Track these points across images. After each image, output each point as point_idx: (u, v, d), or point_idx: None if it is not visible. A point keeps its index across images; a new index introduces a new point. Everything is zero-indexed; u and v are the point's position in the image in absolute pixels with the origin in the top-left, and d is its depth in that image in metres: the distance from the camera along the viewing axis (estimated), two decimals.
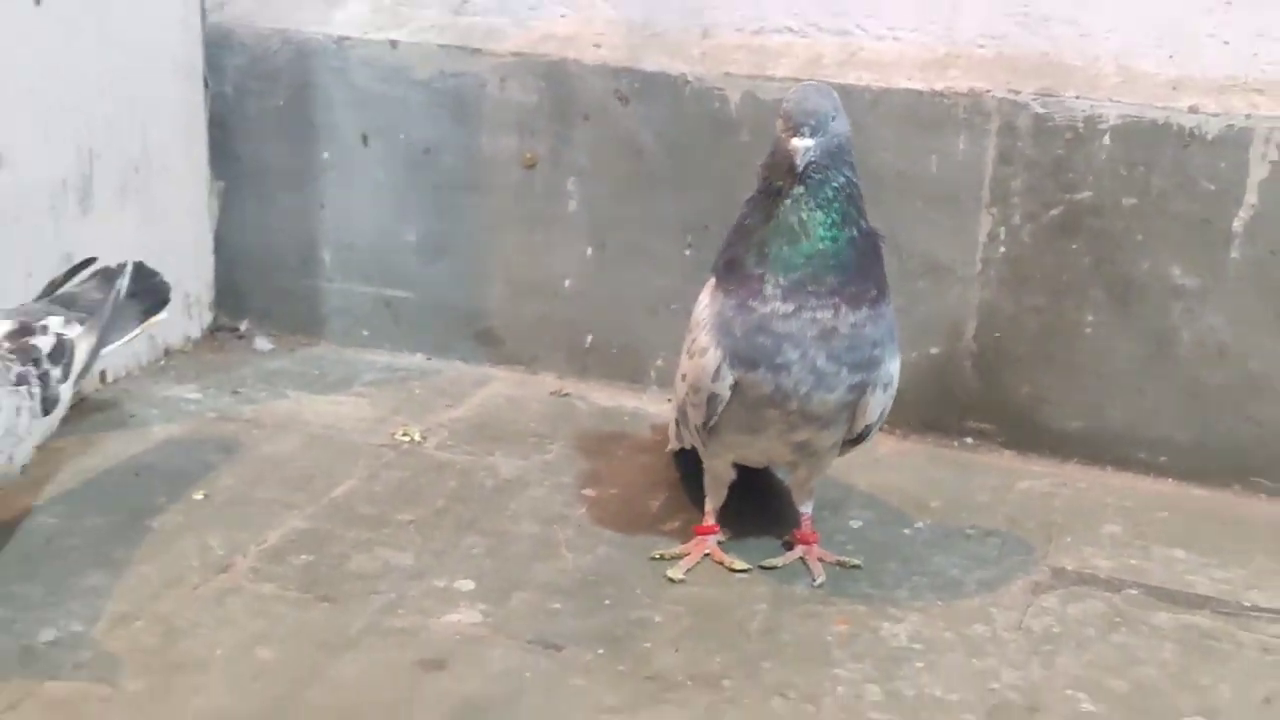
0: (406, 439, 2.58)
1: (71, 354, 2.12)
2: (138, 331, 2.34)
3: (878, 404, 2.05)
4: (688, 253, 2.71)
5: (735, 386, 2.01)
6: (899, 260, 2.55)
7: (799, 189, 1.94)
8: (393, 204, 2.87)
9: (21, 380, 1.99)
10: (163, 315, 2.36)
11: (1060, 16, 2.48)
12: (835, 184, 1.95)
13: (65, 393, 2.11)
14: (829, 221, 1.94)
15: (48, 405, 2.05)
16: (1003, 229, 2.52)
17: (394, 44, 2.79)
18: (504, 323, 2.87)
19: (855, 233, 1.97)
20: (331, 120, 2.87)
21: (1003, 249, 2.53)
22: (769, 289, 1.96)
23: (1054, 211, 2.48)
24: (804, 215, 1.95)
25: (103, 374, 2.70)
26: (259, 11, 2.89)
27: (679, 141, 2.66)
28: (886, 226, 2.41)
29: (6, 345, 2.02)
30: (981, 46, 2.53)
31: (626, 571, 2.18)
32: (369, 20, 2.84)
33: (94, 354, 2.19)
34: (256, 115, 2.90)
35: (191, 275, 2.91)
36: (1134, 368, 2.50)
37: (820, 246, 1.95)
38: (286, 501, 2.36)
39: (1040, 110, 2.45)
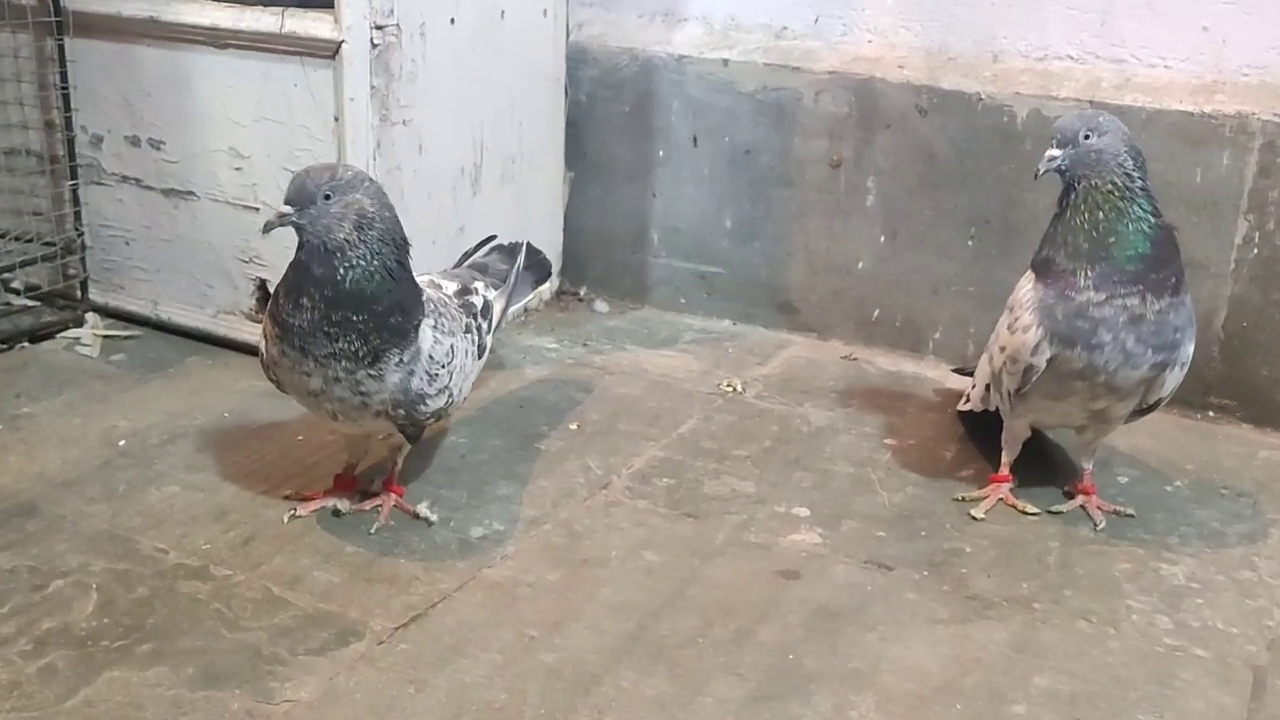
0: (730, 389, 2.63)
1: (492, 312, 2.22)
2: (530, 297, 2.45)
3: (1173, 380, 2.04)
4: (970, 243, 2.70)
5: (1050, 361, 2.01)
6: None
7: (1073, 196, 1.96)
8: (714, 195, 2.91)
9: (468, 329, 2.10)
10: (548, 286, 2.45)
11: None
12: (1105, 189, 1.94)
13: (489, 343, 2.21)
14: (1109, 217, 1.95)
15: (480, 352, 2.16)
16: (1257, 234, 2.47)
17: (725, 62, 2.83)
18: (801, 296, 2.89)
19: (1145, 228, 1.95)
20: (667, 124, 2.92)
21: (1255, 250, 2.48)
22: (1081, 280, 1.96)
23: None
24: (1086, 216, 1.96)
25: None
26: (610, 33, 2.96)
27: (969, 149, 2.65)
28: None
29: (456, 301, 2.12)
30: (1246, 75, 2.47)
31: (934, 508, 2.20)
32: (704, 41, 2.88)
33: (504, 314, 2.29)
34: (604, 118, 2.98)
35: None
36: None
37: (1110, 240, 1.94)
38: (643, 434, 2.43)
39: None
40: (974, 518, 2.17)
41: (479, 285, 2.24)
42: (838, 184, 2.80)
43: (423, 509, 2.11)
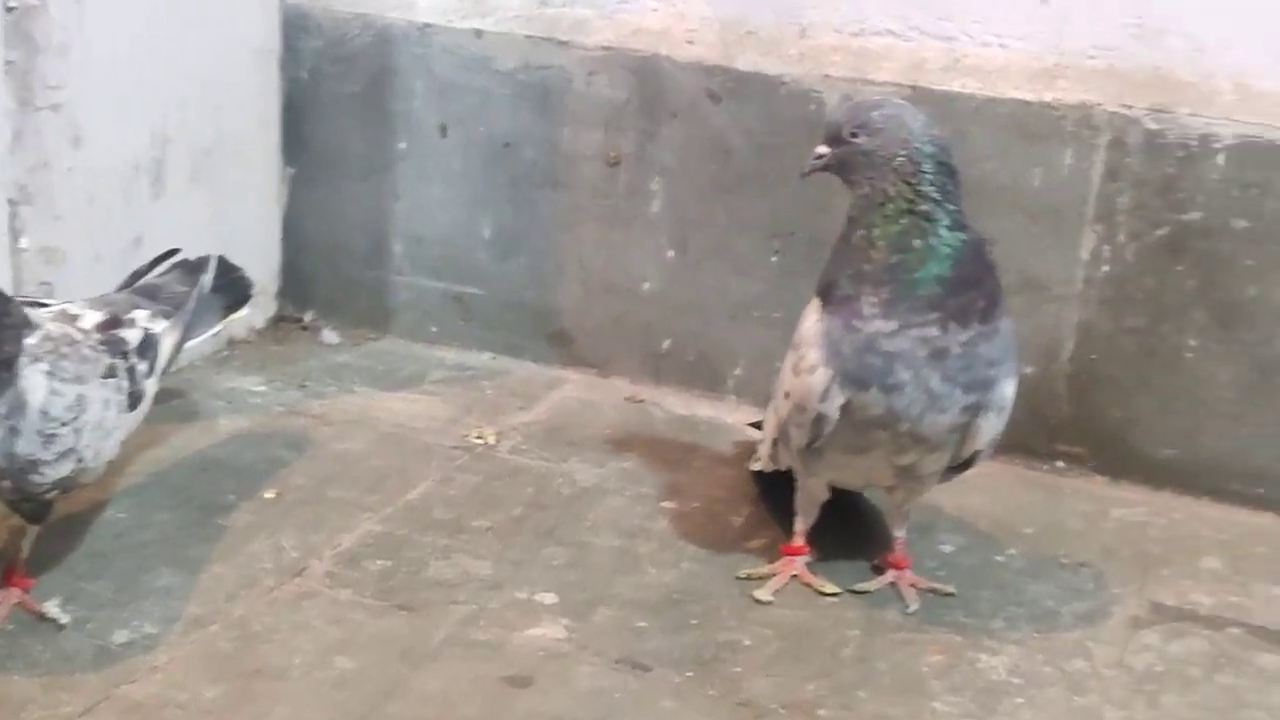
0: (480, 441, 2.57)
1: (157, 349, 2.11)
2: (219, 328, 2.35)
3: (990, 429, 2.03)
4: (774, 259, 2.69)
5: (844, 407, 1.98)
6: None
7: (852, 206, 1.98)
8: (468, 197, 2.86)
9: (111, 373, 1.98)
10: (244, 312, 2.37)
11: (1176, 29, 2.44)
12: (877, 200, 1.96)
13: (150, 388, 2.10)
14: (889, 234, 1.95)
15: (134, 400, 2.04)
16: (1106, 247, 2.49)
17: (478, 33, 2.78)
18: (578, 323, 2.86)
19: (941, 243, 1.95)
20: (409, 109, 2.85)
21: (1105, 268, 2.50)
22: (866, 307, 1.95)
23: (1160, 231, 2.45)
24: (864, 231, 1.97)
25: None
26: None
27: (770, 144, 2.63)
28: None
29: (97, 336, 2.00)
30: (1092, 58, 2.50)
31: (712, 589, 2.16)
32: (453, 7, 2.82)
33: (178, 349, 2.18)
34: (331, 101, 2.89)
35: (258, 263, 2.86)
36: (1234, 395, 2.46)
37: (895, 259, 1.94)
38: (360, 503, 2.34)
39: (1152, 126, 2.42)
40: (758, 600, 2.14)
41: (140, 314, 2.13)
42: (617, 185, 2.77)
43: (51, 608, 1.99)
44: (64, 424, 1.86)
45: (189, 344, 2.26)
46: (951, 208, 1.97)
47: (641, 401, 2.78)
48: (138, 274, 2.31)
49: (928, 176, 1.95)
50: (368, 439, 2.56)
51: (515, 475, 2.46)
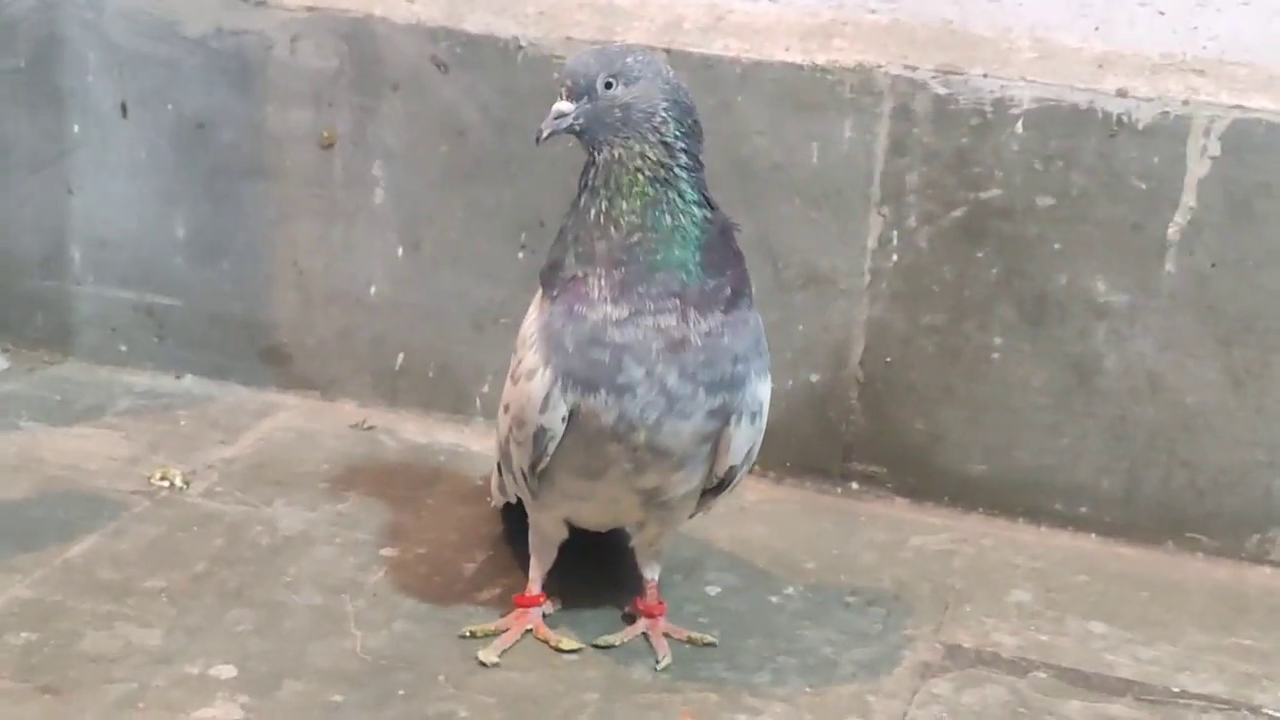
0: (165, 484, 2.52)
1: None
2: None
3: (744, 438, 2.01)
4: (521, 255, 2.67)
5: (571, 417, 1.95)
6: (773, 269, 2.55)
7: (594, 173, 1.95)
8: (158, 190, 2.81)
9: None
10: None
11: None
12: (633, 165, 1.93)
13: None
14: (635, 207, 1.93)
15: None
16: (895, 233, 2.50)
17: None
18: (294, 338, 2.83)
19: (688, 220, 1.94)
20: (82, 86, 2.79)
21: (895, 257, 2.51)
22: (594, 291, 1.92)
23: (956, 213, 2.47)
24: (607, 203, 1.94)
25: None
26: None
27: (511, 120, 2.61)
28: (757, 228, 2.45)
29: None
30: (873, 12, 2.51)
31: (428, 653, 2.12)
32: None
33: None
34: None
35: None
36: (1049, 401, 2.50)
37: (635, 238, 1.92)
38: (8, 564, 2.26)
39: (941, 91, 2.44)
40: (482, 663, 2.10)
41: None
42: (333, 172, 2.74)
43: None
44: None
45: None
46: (699, 178, 1.97)
47: (371, 429, 2.75)
48: None
49: (685, 139, 1.95)
50: (28, 486, 2.49)
51: (204, 524, 2.41)
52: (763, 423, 2.05)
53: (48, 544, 2.32)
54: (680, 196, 1.94)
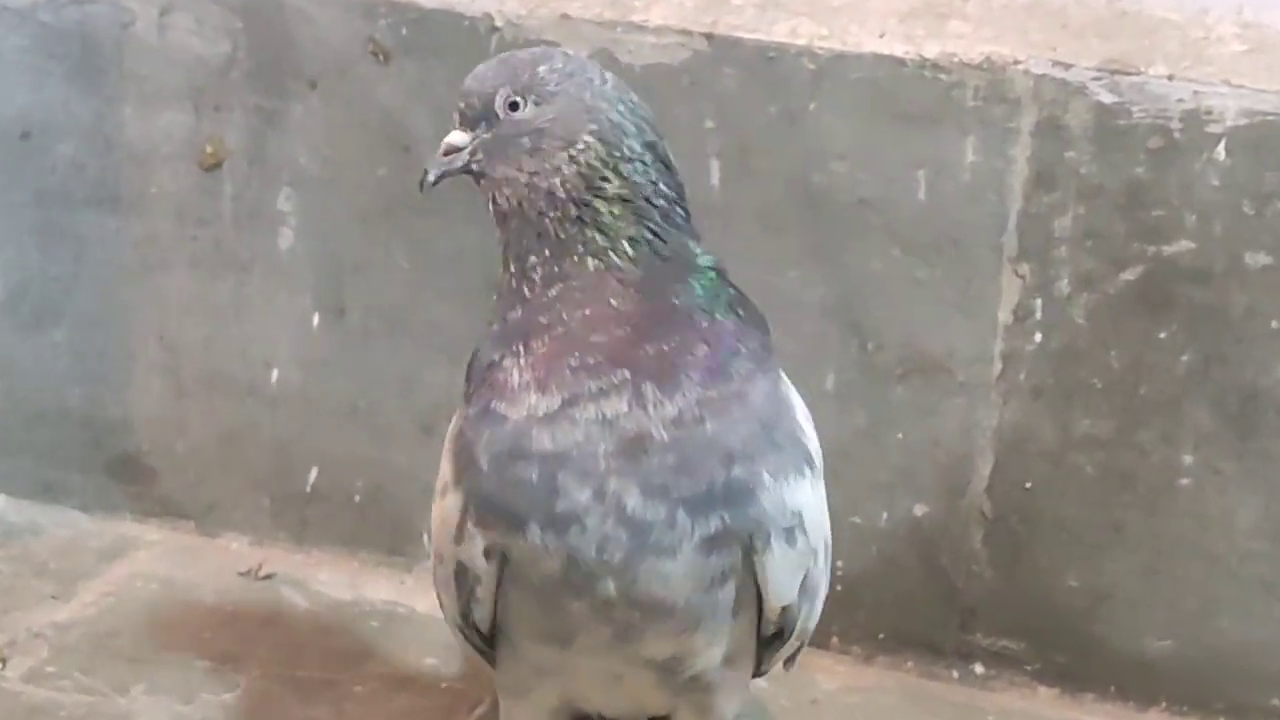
0: None
1: None
2: None
3: (785, 570, 1.99)
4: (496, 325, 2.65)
5: (504, 560, 1.97)
6: (858, 351, 2.57)
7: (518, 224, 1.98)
8: None
9: None
10: None
11: None
12: (538, 209, 1.96)
13: None
14: (544, 257, 1.96)
15: None
16: (1039, 301, 2.53)
17: None
18: (159, 443, 2.87)
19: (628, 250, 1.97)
20: None
21: (1039, 337, 2.54)
22: (514, 376, 1.94)
23: (1128, 274, 2.49)
24: (515, 260, 1.99)
25: None
26: None
27: None
28: (834, 290, 2.52)
29: None
30: None
31: None
32: None
33: None
34: None
35: None
36: (1265, 548, 2.52)
37: (552, 293, 1.96)
38: None
39: (1107, 98, 2.45)
40: None
41: None
42: (219, 204, 2.77)
43: None
44: None
45: None
46: (664, 201, 1.98)
47: (269, 577, 2.79)
48: None
49: (635, 160, 1.96)
50: None
51: None
52: (817, 541, 2.03)
53: None
54: (601, 232, 1.96)
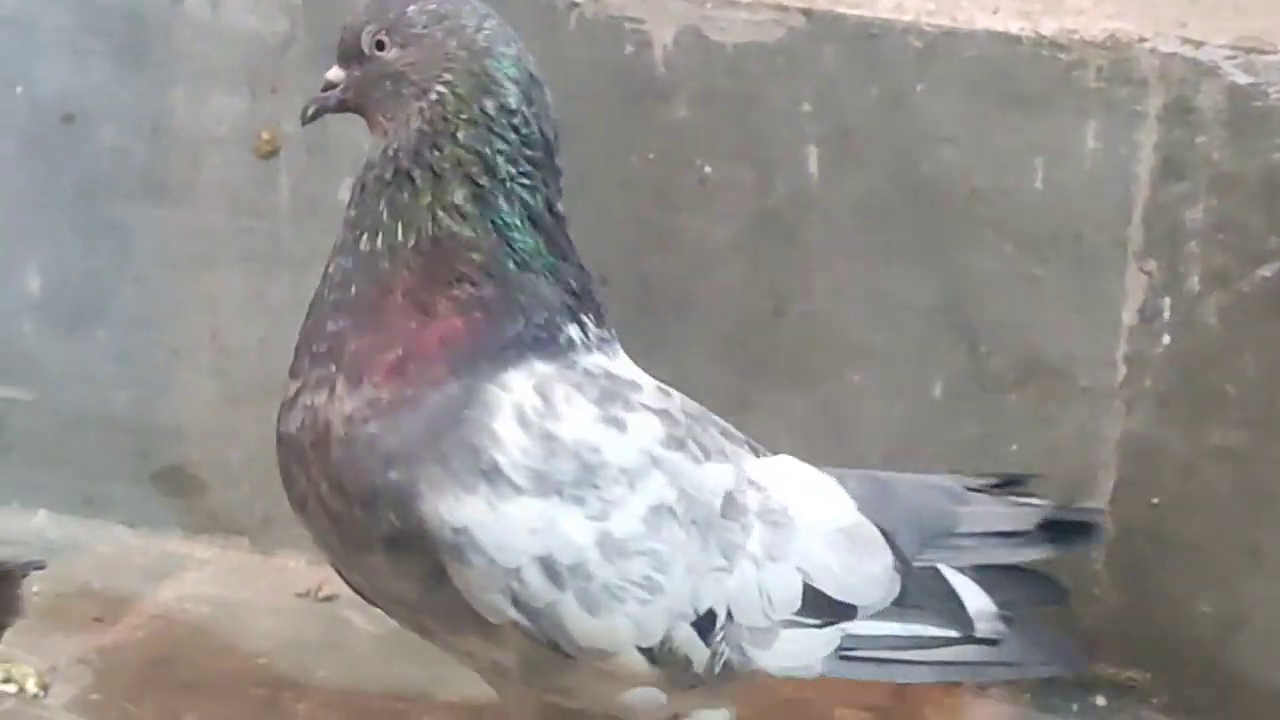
0: (11, 689, 2.56)
1: None
2: None
3: (477, 584, 2.01)
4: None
5: None
6: (968, 354, 2.58)
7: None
8: None
9: None
10: None
11: None
12: (386, 170, 2.05)
13: None
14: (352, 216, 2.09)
15: None
16: (1167, 301, 2.53)
17: None
18: (211, 454, 2.88)
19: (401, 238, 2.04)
20: None
21: (1168, 339, 2.54)
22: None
23: (1265, 270, 2.49)
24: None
25: None
26: None
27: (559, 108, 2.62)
28: (943, 286, 2.54)
29: None
30: None
31: None
32: None
33: None
34: None
35: None
36: None
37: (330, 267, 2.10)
38: None
39: (1242, 79, 2.45)
40: None
41: None
42: (276, 195, 2.79)
43: None
44: None
45: None
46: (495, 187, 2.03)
47: (330, 599, 2.80)
48: None
49: (475, 130, 2.01)
50: None
51: None
52: (515, 560, 2.01)
53: None
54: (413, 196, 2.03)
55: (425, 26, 2.01)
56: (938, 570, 2.30)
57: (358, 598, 2.73)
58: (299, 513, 2.11)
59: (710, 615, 2.10)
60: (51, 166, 2.84)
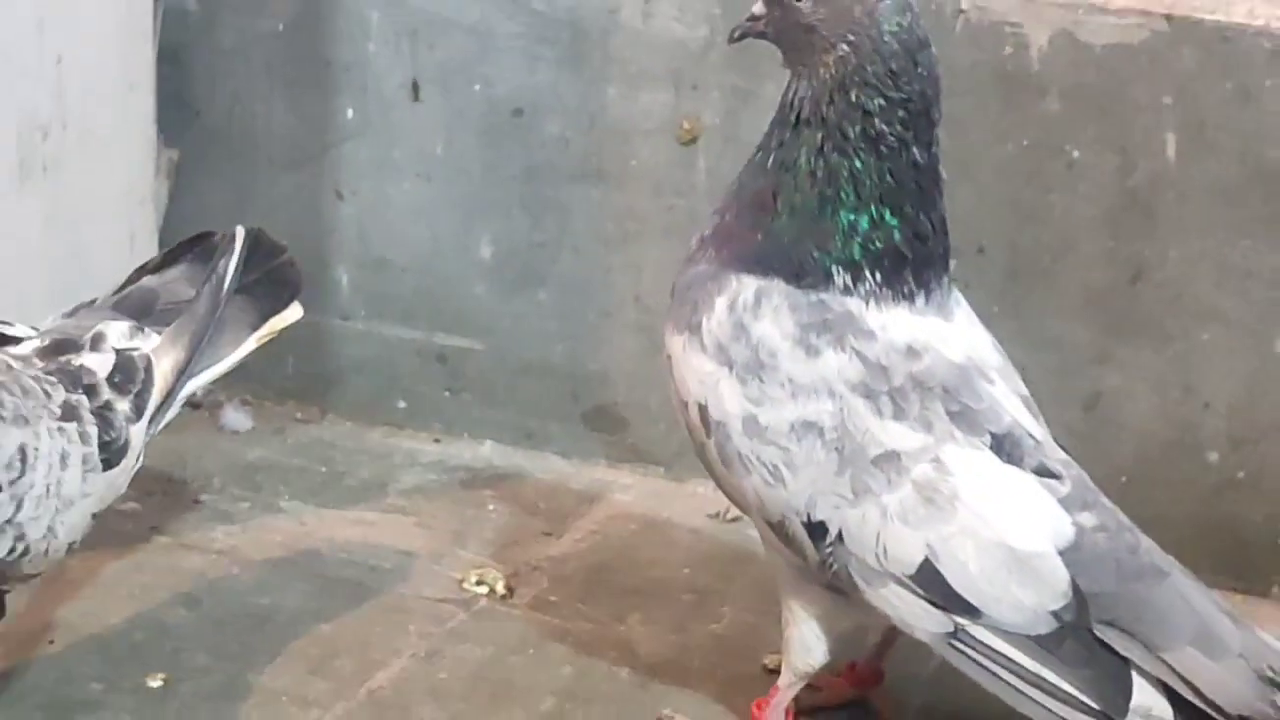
0: (483, 590, 2.61)
1: (148, 378, 2.21)
2: (253, 342, 2.41)
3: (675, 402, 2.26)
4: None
5: None
6: None
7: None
8: (457, 197, 2.92)
9: (69, 413, 2.11)
10: (292, 314, 2.45)
11: None
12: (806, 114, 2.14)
13: (138, 437, 2.21)
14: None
15: (111, 454, 2.16)
16: None
17: None
18: (634, 397, 2.91)
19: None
20: (360, 57, 2.91)
21: None
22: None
23: None
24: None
25: None
26: None
27: (948, 112, 2.62)
28: None
29: (39, 365, 2.14)
30: None
31: None
32: None
33: (184, 376, 2.28)
34: (236, 48, 2.96)
35: None
36: None
37: None
38: (300, 694, 2.37)
39: None
40: None
41: (112, 331, 2.24)
42: (694, 177, 2.82)
43: None
44: None
45: (209, 371, 2.35)
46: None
47: (735, 519, 2.78)
48: (141, 270, 2.42)
49: (869, 91, 2.08)
50: (304, 586, 2.61)
51: (541, 646, 2.50)
52: (683, 396, 2.22)
53: (344, 668, 2.43)
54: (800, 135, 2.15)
55: None
56: (1125, 660, 2.08)
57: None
58: None
59: (822, 527, 2.13)
60: (503, 153, 2.88)
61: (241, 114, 2.98)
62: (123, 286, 2.37)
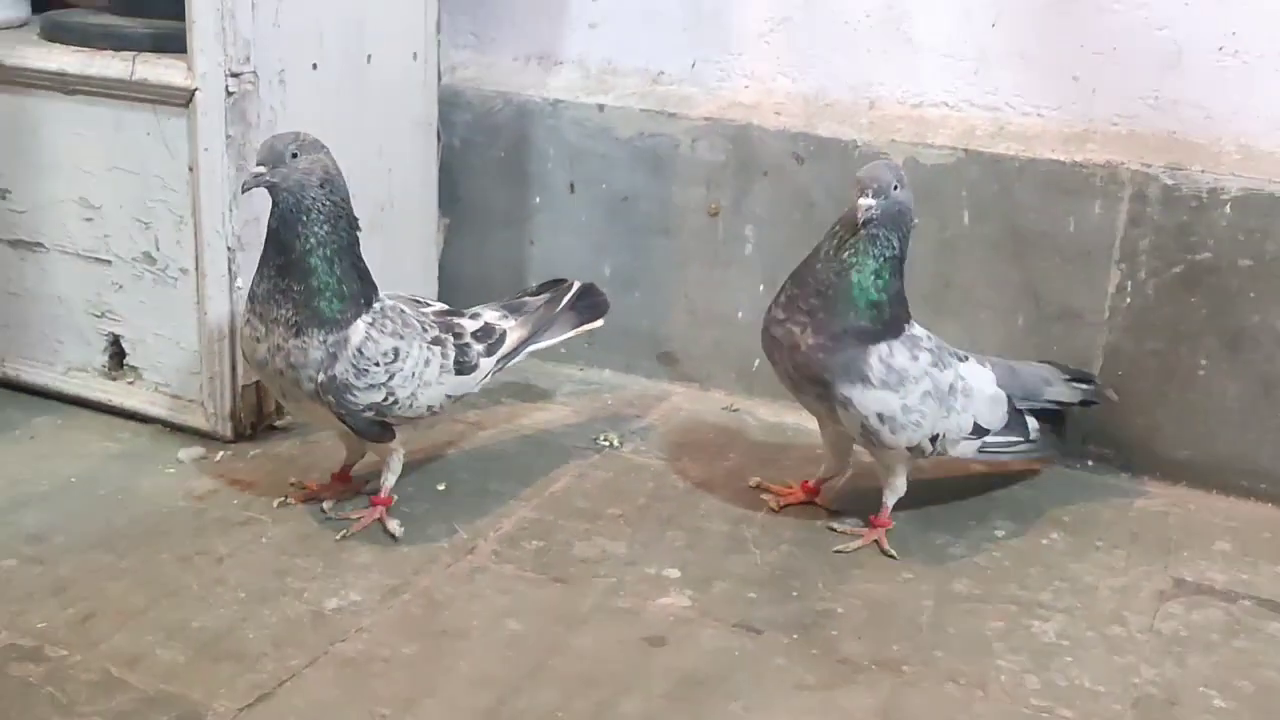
0: (607, 444, 2.62)
1: (501, 338, 2.30)
2: (571, 334, 2.47)
3: (850, 423, 2.20)
4: None
5: None
6: (1036, 307, 2.56)
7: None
8: (592, 243, 2.92)
9: (436, 341, 2.20)
10: (597, 324, 2.51)
11: (1188, 100, 2.47)
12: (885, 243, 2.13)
13: (486, 364, 2.28)
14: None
15: (463, 368, 2.23)
16: (1130, 282, 2.51)
17: (601, 107, 2.84)
18: (683, 346, 2.90)
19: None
20: (543, 170, 2.92)
21: (1128, 300, 2.52)
22: None
23: (1176, 269, 2.47)
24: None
25: None
26: (484, 76, 2.95)
27: (847, 197, 2.63)
28: (1028, 279, 2.49)
29: (433, 318, 2.23)
30: (1115, 124, 2.53)
31: (809, 566, 2.21)
32: (579, 86, 2.88)
33: (523, 343, 2.36)
34: (479, 164, 2.97)
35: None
36: (1241, 406, 2.48)
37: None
38: (514, 494, 2.41)
39: (1168, 181, 2.44)
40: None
41: (487, 313, 2.34)
42: (716, 233, 2.81)
43: (394, 525, 2.22)
44: (377, 364, 2.10)
45: (540, 344, 2.41)
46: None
47: (737, 410, 2.81)
48: (522, 292, 2.51)
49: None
50: (516, 441, 2.63)
51: (637, 472, 2.51)
52: (863, 414, 2.17)
53: (536, 481, 2.46)
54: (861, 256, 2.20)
55: (896, 178, 2.16)
56: (1021, 412, 2.31)
57: (755, 405, 2.80)
58: (774, 366, 2.22)
59: (937, 436, 2.17)
60: (617, 220, 2.86)
61: (481, 199, 2.99)
62: (513, 298, 2.47)
